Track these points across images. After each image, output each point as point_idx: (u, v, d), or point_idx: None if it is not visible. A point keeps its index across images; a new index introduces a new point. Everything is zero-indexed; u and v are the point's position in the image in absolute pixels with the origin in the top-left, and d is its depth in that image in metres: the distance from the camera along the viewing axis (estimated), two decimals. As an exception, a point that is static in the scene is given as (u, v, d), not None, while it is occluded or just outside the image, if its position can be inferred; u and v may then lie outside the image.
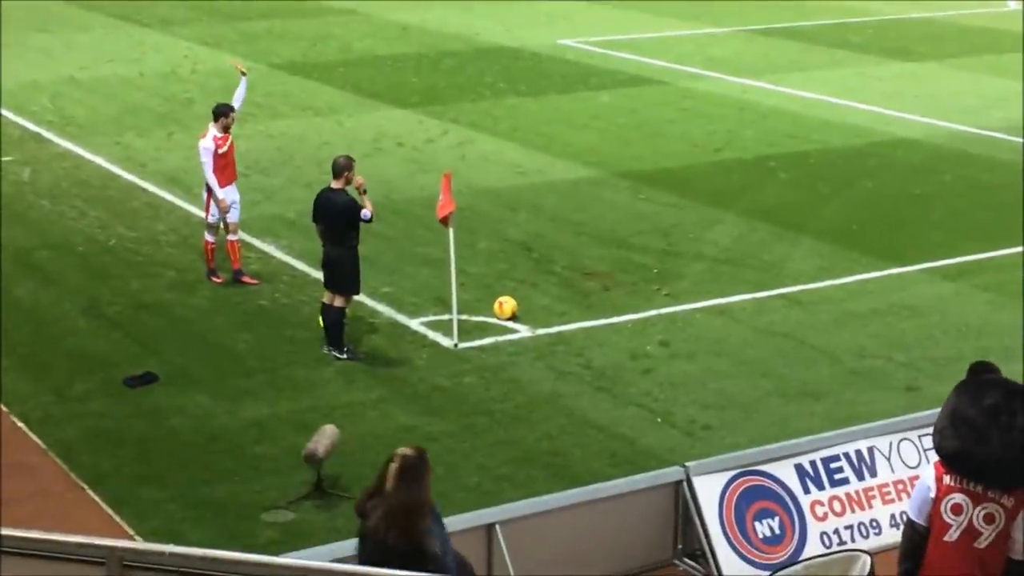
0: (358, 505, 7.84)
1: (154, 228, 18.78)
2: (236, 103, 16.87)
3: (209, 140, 16.21)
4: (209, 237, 16.63)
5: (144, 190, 20.59)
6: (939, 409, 7.54)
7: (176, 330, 15.34)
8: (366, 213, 14.21)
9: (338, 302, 14.46)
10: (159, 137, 23.62)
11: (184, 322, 15.58)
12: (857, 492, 10.78)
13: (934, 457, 7.30)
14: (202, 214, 17.19)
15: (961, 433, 7.11)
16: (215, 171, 16.20)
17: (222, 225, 16.50)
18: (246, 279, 16.61)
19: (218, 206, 16.33)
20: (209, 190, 16.39)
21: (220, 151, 16.25)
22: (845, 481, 10.76)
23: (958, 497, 7.31)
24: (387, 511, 7.52)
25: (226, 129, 16.35)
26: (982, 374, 7.44)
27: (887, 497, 10.80)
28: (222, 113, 16.38)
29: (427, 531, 7.54)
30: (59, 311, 15.79)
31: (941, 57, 31.52)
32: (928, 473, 7.45)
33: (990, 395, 7.08)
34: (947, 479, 7.31)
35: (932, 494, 7.37)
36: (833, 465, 10.78)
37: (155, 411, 13.27)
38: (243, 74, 17.73)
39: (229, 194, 16.42)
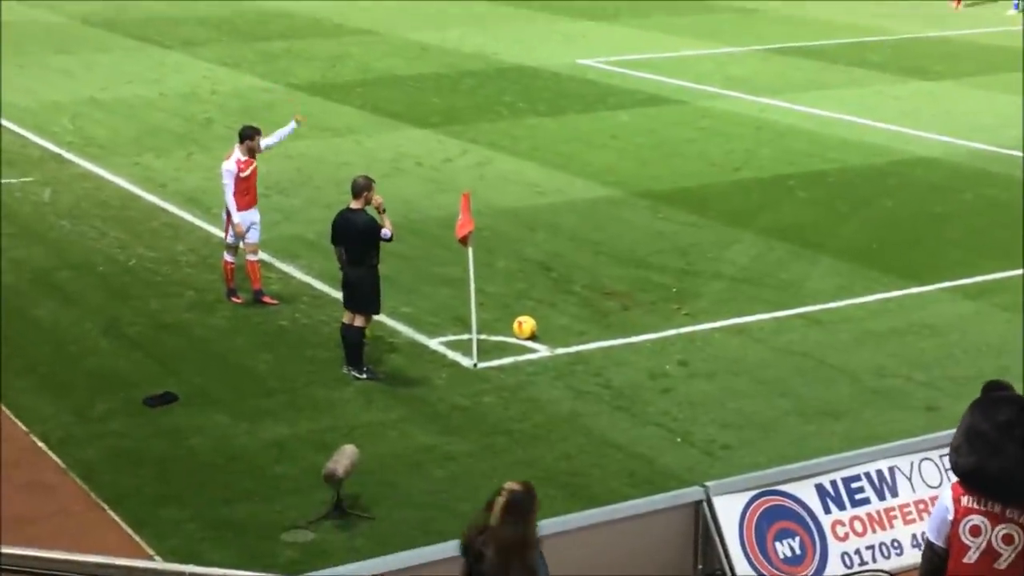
0: (466, 541, 7.62)
1: (174, 248, 18.85)
2: (272, 140, 16.82)
3: (232, 163, 16.23)
4: (228, 257, 16.67)
5: (164, 210, 20.67)
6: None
7: (196, 350, 15.38)
8: (386, 232, 14.25)
9: (358, 322, 14.49)
10: (179, 157, 23.72)
11: (204, 342, 15.62)
12: (878, 512, 10.75)
13: (952, 478, 7.29)
14: (221, 234, 17.23)
15: (977, 448, 7.12)
16: (236, 194, 16.22)
17: (241, 245, 16.55)
18: (266, 299, 16.64)
19: (234, 230, 16.37)
20: (228, 220, 16.44)
21: (243, 175, 16.26)
22: (866, 501, 10.73)
23: (976, 519, 7.29)
24: (499, 548, 7.42)
25: (251, 152, 16.35)
26: (995, 392, 7.46)
27: (908, 517, 10.77)
28: (247, 136, 16.35)
29: (537, 566, 7.50)
30: (79, 331, 15.85)
31: (958, 76, 31.49)
32: (946, 494, 7.45)
33: (1004, 411, 7.11)
34: (965, 500, 7.30)
35: (951, 516, 7.35)
36: (854, 485, 10.75)
37: (175, 431, 13.30)
38: (298, 122, 17.54)
39: (249, 216, 16.42)
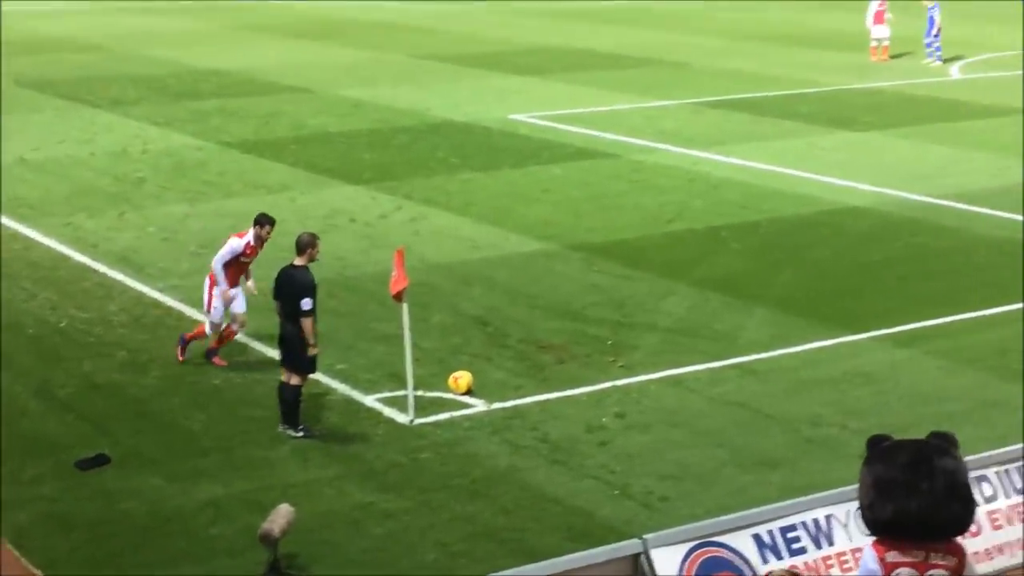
0: None
1: (105, 308, 18.67)
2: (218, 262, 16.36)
3: (241, 244, 16.01)
4: (208, 330, 16.49)
5: (95, 271, 20.49)
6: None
7: (129, 411, 15.22)
8: (306, 303, 14.11)
9: (294, 380, 14.39)
10: (110, 217, 23.56)
11: (137, 402, 15.46)
12: (815, 561, 10.76)
13: (870, 539, 7.32)
14: (153, 293, 17.02)
15: (891, 496, 7.17)
16: (230, 269, 16.10)
17: (231, 317, 16.38)
18: (217, 360, 16.48)
19: (222, 297, 16.16)
20: (211, 285, 16.24)
21: (243, 258, 16.16)
22: (803, 551, 10.73)
23: (905, 572, 7.30)
24: None
25: (260, 240, 16.21)
26: (879, 444, 7.51)
27: (845, 566, 10.78)
28: (264, 223, 16.15)
29: None
30: (10, 394, 15.64)
31: (887, 127, 31.90)
32: (869, 555, 7.46)
33: (902, 455, 7.19)
34: (890, 556, 7.33)
35: (880, 574, 7.34)
36: (791, 535, 10.76)
37: (108, 494, 13.13)
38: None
39: (235, 291, 16.29)
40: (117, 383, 16.00)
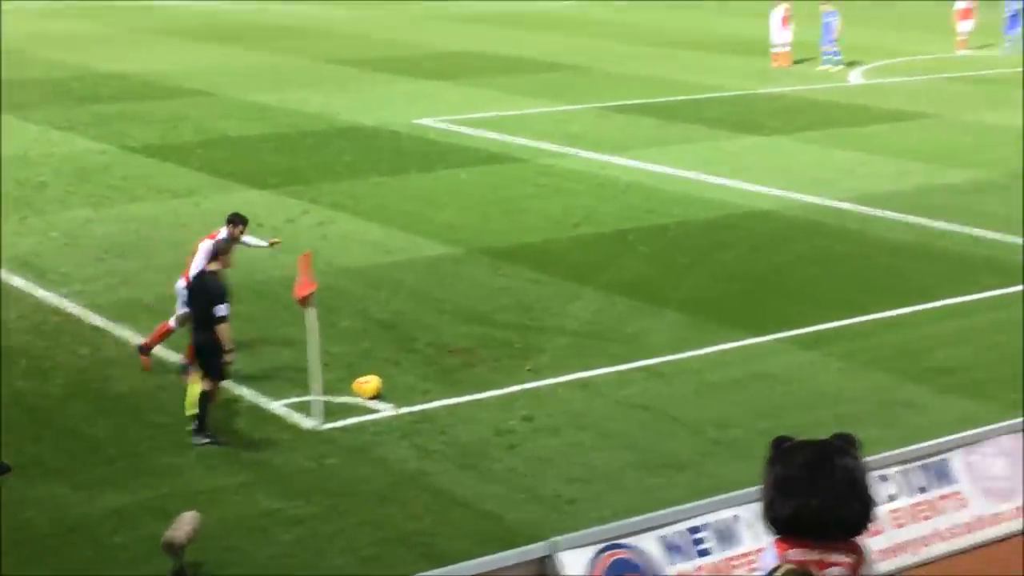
0: None
1: (6, 315, 18.38)
2: (249, 241, 16.78)
3: (213, 245, 15.41)
4: (172, 323, 16.26)
5: (-4, 276, 20.18)
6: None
7: (31, 419, 15.00)
8: (220, 309, 14.03)
9: (204, 386, 14.26)
10: (12, 222, 23.18)
11: (39, 411, 15.24)
12: (722, 561, 10.87)
13: (770, 539, 7.40)
14: (55, 299, 16.75)
15: (792, 493, 7.26)
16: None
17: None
18: (145, 359, 16.23)
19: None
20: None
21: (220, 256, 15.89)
22: (709, 552, 10.84)
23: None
24: None
25: (232, 239, 15.89)
26: (782, 445, 7.62)
27: (752, 566, 10.89)
28: (233, 223, 16.22)
29: None
30: (-92, 403, 15.35)
31: (791, 131, 32.26)
32: (770, 553, 7.54)
33: (803, 454, 7.31)
34: (791, 554, 7.41)
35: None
36: (697, 536, 10.86)
37: (10, 503, 12.91)
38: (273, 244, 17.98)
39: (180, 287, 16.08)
40: (19, 390, 15.76)
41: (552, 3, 61.21)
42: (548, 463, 13.97)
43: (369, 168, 27.92)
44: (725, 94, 37.74)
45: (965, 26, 46.64)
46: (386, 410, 15.26)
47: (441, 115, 33.85)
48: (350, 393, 15.56)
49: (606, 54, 45.52)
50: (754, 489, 11.66)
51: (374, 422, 14.98)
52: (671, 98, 37.00)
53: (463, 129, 32.17)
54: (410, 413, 15.21)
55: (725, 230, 23.30)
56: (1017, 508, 12.36)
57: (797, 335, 17.91)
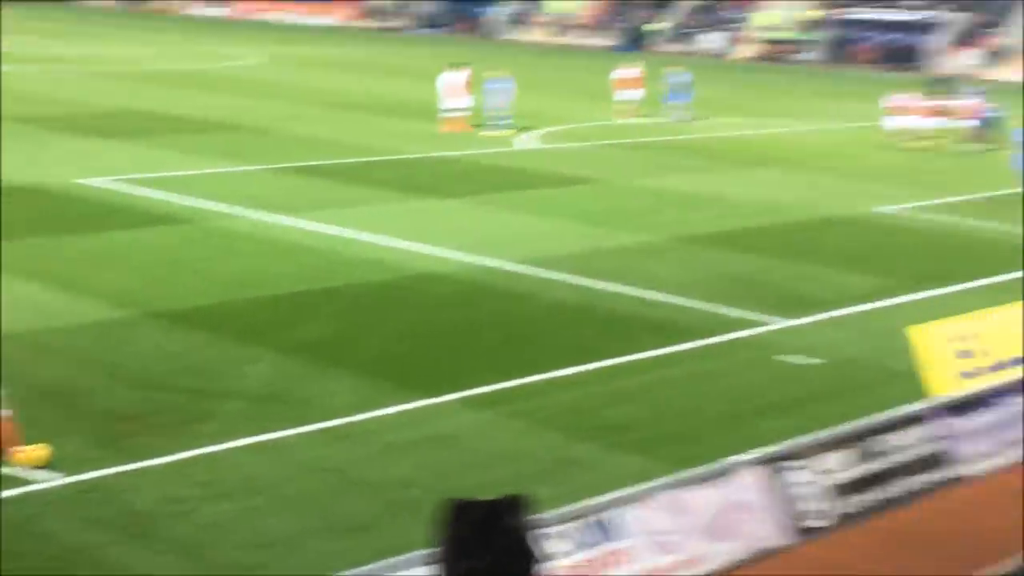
0: None
1: None
2: None
3: None
4: None
5: None
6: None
7: None
8: None
9: None
10: None
11: None
12: (405, 624, 10.78)
13: None
14: None
15: (463, 554, 7.36)
16: None
17: None
18: None
19: None
20: None
21: None
22: (393, 614, 10.73)
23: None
24: None
25: None
26: (453, 506, 7.75)
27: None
28: None
29: None
30: None
31: (464, 194, 32.71)
32: None
33: (472, 513, 7.44)
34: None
35: None
36: (381, 598, 10.74)
37: None
38: None
39: None
40: None
41: (230, 63, 60.54)
42: (224, 530, 13.60)
43: (28, 229, 26.81)
44: (399, 157, 38.06)
45: (623, 95, 48.84)
46: (53, 480, 14.58)
47: (107, 175, 32.89)
48: (9, 464, 14.79)
49: (278, 115, 45.30)
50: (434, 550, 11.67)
51: (39, 493, 14.27)
52: (342, 160, 37.06)
53: (130, 189, 31.35)
54: (78, 482, 14.57)
55: (401, 292, 23.36)
56: (685, 560, 12.73)
57: (474, 395, 18.04)
